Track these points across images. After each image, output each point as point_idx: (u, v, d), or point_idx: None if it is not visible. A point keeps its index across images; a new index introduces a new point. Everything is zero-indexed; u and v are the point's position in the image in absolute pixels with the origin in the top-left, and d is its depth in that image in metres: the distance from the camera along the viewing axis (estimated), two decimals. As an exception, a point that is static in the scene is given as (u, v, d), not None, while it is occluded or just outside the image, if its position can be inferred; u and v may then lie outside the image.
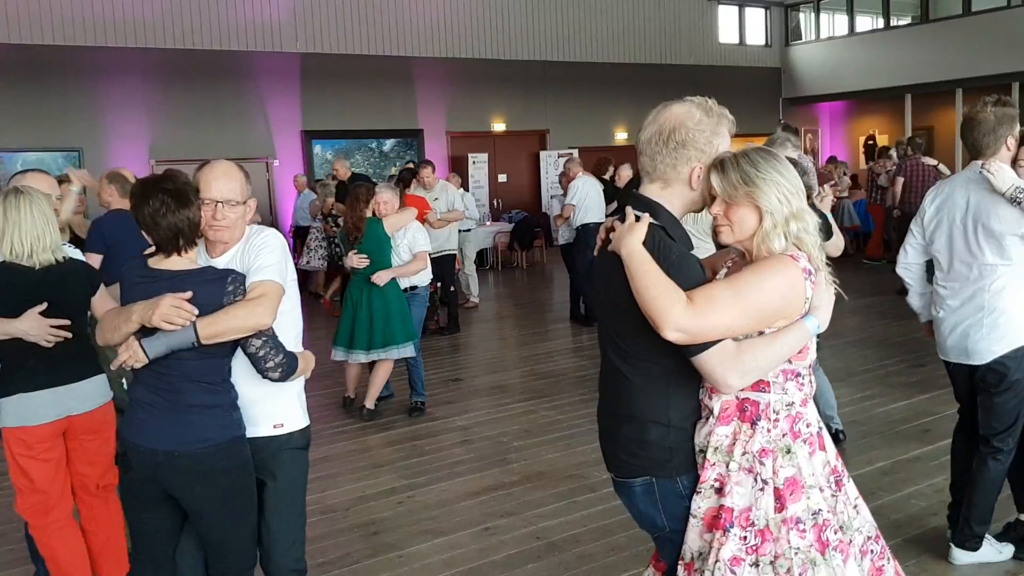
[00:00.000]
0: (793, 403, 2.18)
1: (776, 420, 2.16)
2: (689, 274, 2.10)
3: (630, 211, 2.18)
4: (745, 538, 2.14)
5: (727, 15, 18.78)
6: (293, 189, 13.48)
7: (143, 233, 2.62)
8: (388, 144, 15.76)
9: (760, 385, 2.15)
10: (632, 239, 2.09)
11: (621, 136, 18.00)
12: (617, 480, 2.30)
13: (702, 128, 2.15)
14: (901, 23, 18.51)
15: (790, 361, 2.15)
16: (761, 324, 2.10)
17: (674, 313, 2.00)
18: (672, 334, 2.02)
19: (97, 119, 13.10)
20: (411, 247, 6.29)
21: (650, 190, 2.22)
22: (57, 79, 12.68)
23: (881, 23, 18.47)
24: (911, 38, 17.53)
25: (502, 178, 16.60)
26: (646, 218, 2.13)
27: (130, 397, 2.73)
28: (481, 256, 14.08)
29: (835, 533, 2.18)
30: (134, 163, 13.10)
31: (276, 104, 14.50)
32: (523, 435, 5.72)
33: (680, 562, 2.26)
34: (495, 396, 6.74)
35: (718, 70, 18.34)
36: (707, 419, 2.20)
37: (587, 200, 9.22)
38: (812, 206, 3.05)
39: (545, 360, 7.94)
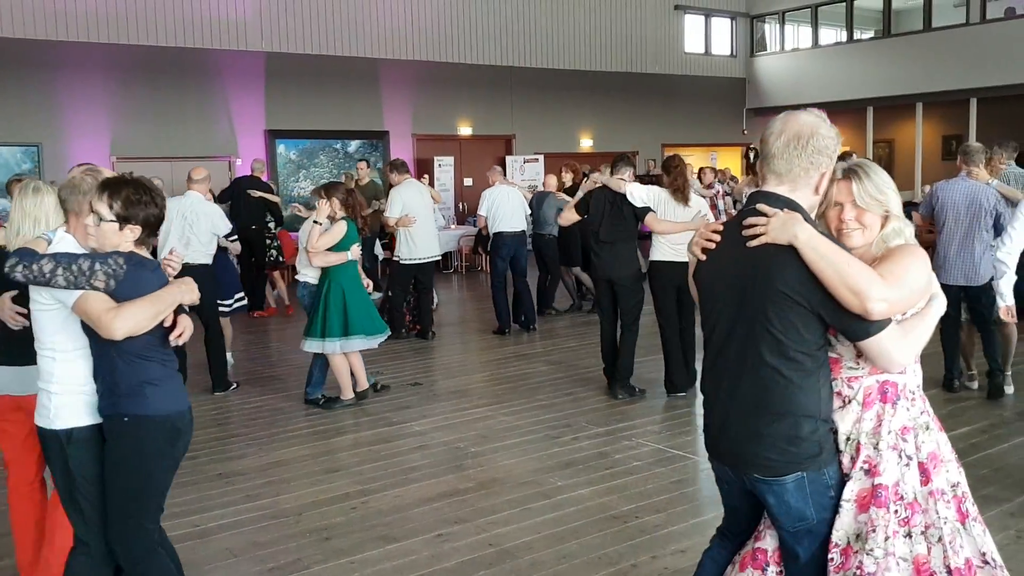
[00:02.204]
0: (920, 384, 2.42)
1: (913, 399, 2.37)
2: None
3: (768, 207, 2.30)
4: (896, 511, 2.30)
5: (693, 24, 18.96)
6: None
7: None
8: (353, 145, 15.69)
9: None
10: (804, 226, 2.21)
11: (587, 143, 18.09)
12: (763, 480, 2.33)
13: (831, 137, 2.32)
14: (864, 37, 18.81)
15: None
16: (916, 301, 2.32)
17: (877, 283, 2.16)
18: (877, 304, 2.15)
19: (57, 114, 12.90)
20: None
21: (780, 191, 2.34)
22: (15, 72, 12.47)
23: (844, 36, 18.75)
24: (873, 52, 17.83)
25: (468, 182, 16.59)
26: (796, 213, 2.26)
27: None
28: (446, 259, 14.06)
29: (972, 505, 2.41)
30: (95, 159, 12.84)
31: (240, 103, 14.37)
32: (480, 441, 5.71)
33: (834, 548, 2.34)
34: (454, 401, 6.72)
35: (683, 79, 18.52)
36: (847, 407, 2.35)
37: (497, 209, 9.29)
38: None
39: (505, 365, 7.94)
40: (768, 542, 2.51)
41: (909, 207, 10.60)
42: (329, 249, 6.35)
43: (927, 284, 2.33)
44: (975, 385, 6.67)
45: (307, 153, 15.30)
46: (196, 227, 6.93)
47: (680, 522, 4.37)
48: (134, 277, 2.86)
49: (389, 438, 5.85)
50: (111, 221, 2.89)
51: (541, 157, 16.33)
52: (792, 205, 2.30)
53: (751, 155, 17.12)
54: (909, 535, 2.29)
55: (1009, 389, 6.50)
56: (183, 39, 13.15)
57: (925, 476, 2.32)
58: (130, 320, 2.79)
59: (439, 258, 9.55)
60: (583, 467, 5.17)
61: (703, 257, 2.46)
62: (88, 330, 2.90)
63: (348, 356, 6.55)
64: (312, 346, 6.44)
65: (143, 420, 2.93)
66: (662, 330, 6.72)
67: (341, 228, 6.38)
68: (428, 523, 4.42)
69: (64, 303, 2.88)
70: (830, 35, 19.34)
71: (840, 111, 18.87)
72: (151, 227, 2.97)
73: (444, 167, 15.76)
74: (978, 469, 4.98)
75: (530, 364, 7.99)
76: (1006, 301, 5.40)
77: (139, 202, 2.92)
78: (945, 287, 6.44)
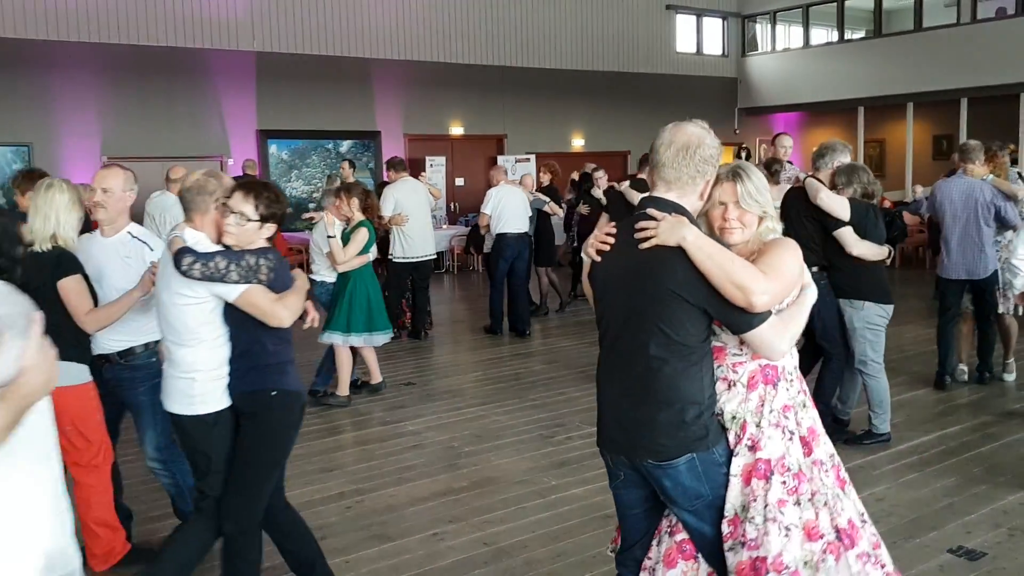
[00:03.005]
0: (796, 366, 2.64)
1: (791, 380, 2.59)
2: None
3: (657, 212, 2.45)
4: (785, 482, 2.49)
5: (685, 24, 18.99)
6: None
7: None
8: (345, 145, 15.67)
9: None
10: (691, 229, 2.39)
11: (578, 143, 18.10)
12: (657, 464, 2.48)
13: (715, 147, 2.51)
14: (855, 37, 18.87)
15: None
16: (794, 289, 2.53)
17: (758, 279, 2.34)
18: (761, 297, 2.32)
19: (47, 114, 12.84)
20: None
21: (668, 196, 2.50)
22: (6, 72, 12.41)
23: (836, 36, 18.81)
24: (864, 52, 17.88)
25: (459, 181, 16.59)
26: (680, 217, 2.43)
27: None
28: (437, 259, 14.05)
29: (846, 473, 2.66)
30: (86, 159, 12.89)
31: (231, 103, 14.33)
32: (474, 440, 5.72)
33: (724, 519, 2.52)
34: (448, 400, 6.73)
35: (675, 79, 18.54)
36: (733, 389, 2.54)
37: (503, 209, 9.13)
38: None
39: (498, 365, 7.95)
40: None
41: (900, 207, 10.71)
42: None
43: (800, 274, 2.54)
44: (964, 378, 6.75)
45: (299, 153, 15.27)
46: (166, 229, 6.90)
47: (674, 521, 4.38)
48: (281, 270, 3.19)
49: (384, 437, 5.86)
50: (254, 220, 3.16)
51: (533, 157, 16.32)
52: (679, 209, 2.47)
53: (743, 155, 17.13)
54: (798, 503, 2.49)
55: (1010, 377, 6.76)
56: (174, 39, 13.11)
57: (807, 448, 2.56)
58: (293, 308, 3.17)
59: (435, 257, 9.50)
60: (577, 466, 5.18)
61: (597, 259, 2.61)
62: (233, 318, 3.16)
63: (363, 351, 6.75)
64: (335, 339, 6.57)
65: (288, 394, 3.24)
66: None
67: (364, 235, 6.55)
68: (423, 522, 4.43)
69: (224, 297, 3.12)
70: (821, 35, 19.40)
71: (831, 111, 18.99)
72: (279, 225, 3.29)
73: (436, 167, 15.75)
74: (970, 467, 5.02)
75: (523, 364, 8.00)
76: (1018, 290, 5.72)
77: (276, 202, 3.22)
78: (947, 282, 6.72)
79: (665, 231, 2.38)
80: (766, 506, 2.47)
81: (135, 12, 12.71)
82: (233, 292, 3.09)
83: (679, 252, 2.37)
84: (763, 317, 2.38)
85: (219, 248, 3.18)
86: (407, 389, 7.09)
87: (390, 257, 8.89)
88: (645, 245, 2.41)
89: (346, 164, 11.85)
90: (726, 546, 2.52)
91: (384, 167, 10.32)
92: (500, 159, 16.19)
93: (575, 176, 12.96)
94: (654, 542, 2.70)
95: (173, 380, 3.23)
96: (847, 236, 5.14)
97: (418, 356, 8.42)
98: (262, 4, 13.74)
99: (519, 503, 4.64)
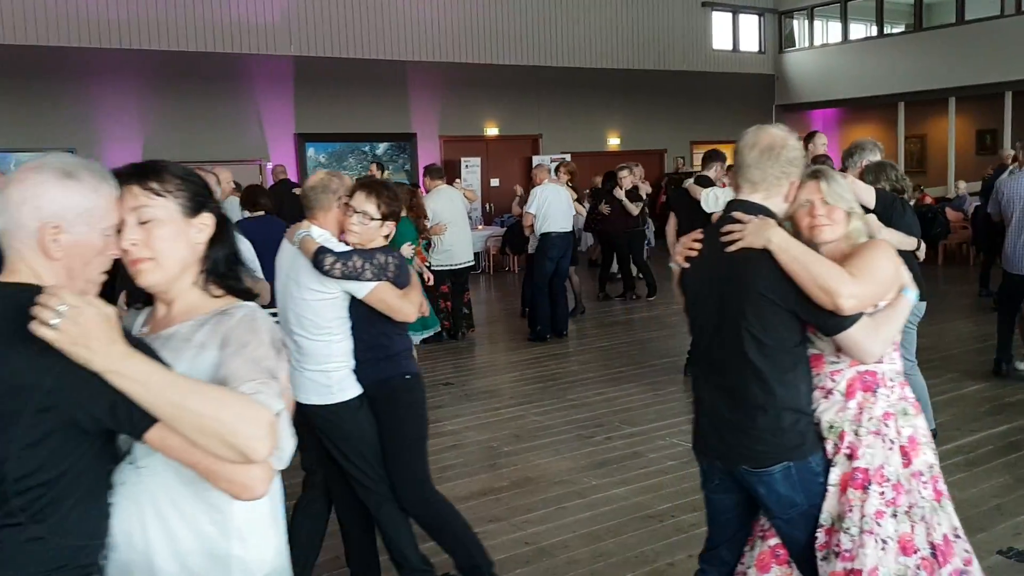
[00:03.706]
0: (899, 371, 2.57)
1: (892, 386, 2.52)
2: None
3: (743, 215, 2.46)
4: (883, 493, 2.43)
5: (721, 21, 18.86)
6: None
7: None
8: (381, 148, 15.77)
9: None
10: (777, 231, 2.38)
11: (614, 141, 18.04)
12: (751, 471, 2.47)
13: (799, 149, 2.52)
14: (895, 31, 18.60)
15: None
16: (888, 292, 2.46)
17: (845, 282, 2.29)
18: (847, 300, 2.28)
19: (90, 120, 13.08)
20: None
21: (754, 198, 2.50)
22: (51, 80, 12.66)
23: (874, 31, 18.56)
24: (904, 46, 17.62)
25: (494, 182, 16.61)
26: (766, 219, 2.42)
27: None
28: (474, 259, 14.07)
29: (944, 484, 2.57)
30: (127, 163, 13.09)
31: (269, 107, 14.49)
32: (513, 440, 5.72)
33: (820, 528, 2.49)
34: (486, 400, 6.73)
35: (711, 76, 18.42)
36: (831, 398, 2.50)
37: (548, 208, 8.97)
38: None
39: (535, 365, 7.94)
40: None
41: (943, 203, 10.53)
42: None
43: (895, 277, 2.47)
44: (1022, 366, 6.85)
45: (336, 156, 15.40)
46: None
47: (716, 521, 4.35)
48: (404, 267, 3.32)
49: (422, 438, 5.87)
50: (377, 219, 3.27)
51: (568, 157, 16.26)
52: (766, 211, 2.47)
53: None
54: (895, 515, 2.43)
55: None
56: (213, 44, 13.29)
57: (906, 459, 2.48)
58: (416, 304, 3.33)
59: (473, 263, 9.44)
60: (617, 466, 5.16)
61: (686, 265, 2.63)
62: (359, 312, 3.28)
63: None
64: None
65: (417, 377, 3.46)
66: None
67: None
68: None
69: (353, 293, 3.24)
70: (860, 30, 19.15)
71: (870, 107, 18.72)
72: (397, 223, 3.41)
73: (471, 168, 15.79)
74: (1018, 468, 4.91)
75: (560, 364, 7.98)
76: None
77: (395, 201, 3.35)
78: (1009, 276, 6.75)
79: (751, 233, 2.39)
80: (862, 517, 2.42)
81: (174, 19, 12.90)
82: (364, 289, 3.22)
83: (766, 254, 2.37)
84: (854, 319, 2.35)
85: (346, 246, 3.29)
86: (445, 389, 7.11)
87: (427, 264, 8.87)
88: (732, 248, 2.43)
89: (374, 166, 11.92)
90: (819, 555, 2.48)
91: (421, 171, 10.33)
92: (535, 159, 16.20)
93: (597, 181, 12.96)
94: (747, 547, 2.69)
95: (306, 373, 3.29)
96: (870, 222, 5.15)
97: (456, 356, 8.43)
98: (299, 8, 13.88)
99: (559, 503, 4.63)
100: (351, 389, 3.32)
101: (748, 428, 2.45)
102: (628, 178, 10.83)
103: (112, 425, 1.51)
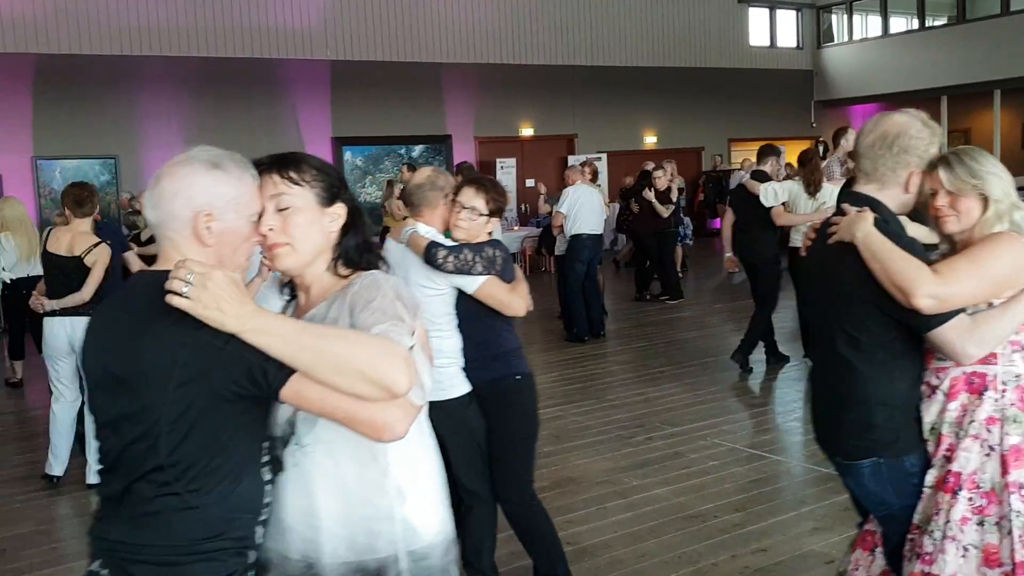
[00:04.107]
0: (1021, 375, 2.35)
1: (1004, 391, 2.33)
2: (919, 254, 2.29)
3: (848, 207, 2.40)
4: (971, 500, 2.32)
5: (758, 17, 18.67)
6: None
7: None
8: (417, 150, 15.83)
9: (988, 358, 2.32)
10: (864, 225, 2.29)
11: (650, 140, 17.94)
12: (843, 463, 2.48)
13: (922, 137, 2.37)
14: (937, 24, 18.28)
15: (1017, 333, 2.32)
16: (996, 292, 2.28)
17: (924, 280, 2.18)
18: (924, 300, 2.17)
19: (132, 127, 13.30)
20: None
21: (867, 189, 2.43)
22: (94, 88, 12.89)
23: (916, 24, 18.25)
24: (947, 39, 17.30)
25: (530, 183, 16.59)
26: (867, 211, 2.34)
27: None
28: (510, 261, 14.05)
29: None
30: (168, 170, 13.31)
31: (307, 111, 14.61)
32: (552, 440, 5.69)
33: (914, 529, 2.42)
34: (524, 401, 6.72)
35: (748, 73, 18.24)
36: (934, 397, 2.39)
37: (579, 210, 8.84)
38: None
39: (572, 365, 7.91)
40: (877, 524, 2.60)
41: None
42: None
43: (1016, 273, 2.29)
44: None
45: (372, 159, 15.49)
46: None
47: (759, 521, 4.29)
48: (510, 261, 3.36)
49: (462, 438, 5.88)
50: (484, 215, 3.31)
51: (604, 156, 16.25)
52: (872, 203, 2.37)
53: (820, 148, 16.75)
54: (981, 523, 2.31)
55: None
56: (251, 50, 13.44)
57: (1005, 467, 2.31)
58: (525, 298, 3.32)
59: None
60: (658, 467, 5.12)
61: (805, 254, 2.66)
62: (467, 309, 3.29)
63: None
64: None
65: (528, 377, 3.44)
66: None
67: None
68: (504, 521, 4.42)
69: (463, 288, 3.26)
70: (900, 23, 18.84)
71: (912, 101, 18.36)
72: (500, 218, 3.48)
73: (506, 169, 15.79)
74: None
75: (598, 365, 7.94)
76: None
77: (502, 197, 3.39)
78: None
79: (844, 227, 2.36)
80: (947, 522, 2.33)
81: (214, 25, 13.07)
82: (473, 284, 3.23)
83: (855, 249, 2.31)
84: (943, 318, 2.22)
85: (453, 242, 3.31)
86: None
87: None
88: (830, 241, 2.40)
89: (405, 168, 11.95)
90: (907, 554, 2.44)
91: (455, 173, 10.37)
92: (571, 159, 16.16)
93: (628, 180, 12.87)
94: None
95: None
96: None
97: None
98: (335, 13, 13.98)
99: (601, 503, 4.61)
100: (460, 387, 3.32)
101: (840, 420, 2.44)
102: (663, 179, 10.75)
103: (250, 389, 1.56)
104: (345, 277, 1.81)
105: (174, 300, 1.49)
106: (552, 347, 8.83)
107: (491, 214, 3.34)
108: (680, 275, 11.46)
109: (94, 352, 1.68)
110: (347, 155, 15.16)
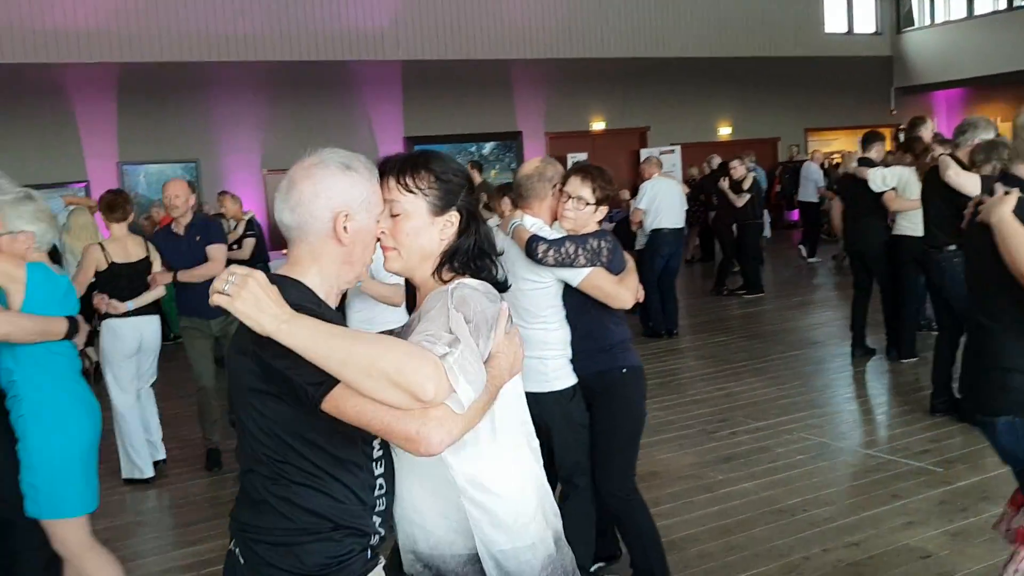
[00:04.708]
0: None
1: None
2: None
3: (999, 187, 2.63)
4: None
5: (834, 4, 18.19)
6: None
7: None
8: (487, 147, 15.89)
9: None
10: (1003, 208, 2.51)
11: (725, 131, 17.66)
12: (983, 419, 2.72)
13: None
14: (1024, 3, 17.56)
15: None
16: None
17: None
18: None
19: (212, 131, 13.64)
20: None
21: (1020, 170, 2.67)
22: (174, 94, 13.26)
23: (1003, 4, 17.55)
24: (1035, 19, 16.61)
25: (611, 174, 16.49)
26: (1015, 192, 2.53)
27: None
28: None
29: None
30: (248, 172, 13.62)
31: (379, 111, 14.78)
32: (634, 434, 5.65)
33: None
34: (604, 395, 6.68)
35: (825, 61, 17.79)
36: None
37: (659, 204, 8.67)
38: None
39: (652, 361, 7.82)
40: None
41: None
42: None
43: None
44: None
45: (444, 157, 15.59)
46: None
47: (850, 515, 4.20)
48: (618, 252, 3.31)
49: (542, 432, 5.87)
50: (592, 204, 3.26)
51: (677, 148, 16.07)
52: (1022, 185, 2.57)
53: (900, 136, 16.27)
54: None
55: None
56: (324, 53, 13.63)
57: None
58: (632, 289, 3.30)
59: None
60: (744, 461, 5.04)
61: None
62: (573, 301, 3.27)
63: None
64: None
65: (636, 370, 3.42)
66: (894, 297, 6.91)
67: None
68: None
69: (568, 280, 3.24)
70: (986, 4, 18.14)
71: (999, 85, 17.71)
72: (609, 208, 3.40)
73: (579, 164, 15.73)
74: None
75: (678, 360, 7.85)
76: None
77: (610, 185, 3.34)
78: None
79: (986, 208, 2.56)
80: None
81: (287, 30, 13.30)
82: (578, 276, 3.21)
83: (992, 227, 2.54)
84: None
85: (558, 233, 3.28)
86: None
87: None
88: (977, 220, 2.64)
89: (471, 166, 11.95)
90: None
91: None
92: (643, 152, 16.02)
93: (694, 172, 12.69)
94: None
95: (525, 360, 3.32)
96: None
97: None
98: (405, 14, 14.10)
99: (687, 496, 4.56)
100: (565, 379, 3.31)
101: (982, 382, 2.70)
102: (740, 168, 10.65)
103: (295, 400, 1.59)
104: (446, 282, 1.81)
105: (215, 299, 1.54)
106: (635, 342, 8.74)
107: (598, 203, 3.29)
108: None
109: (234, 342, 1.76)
110: (419, 154, 15.28)
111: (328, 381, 1.53)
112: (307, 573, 1.64)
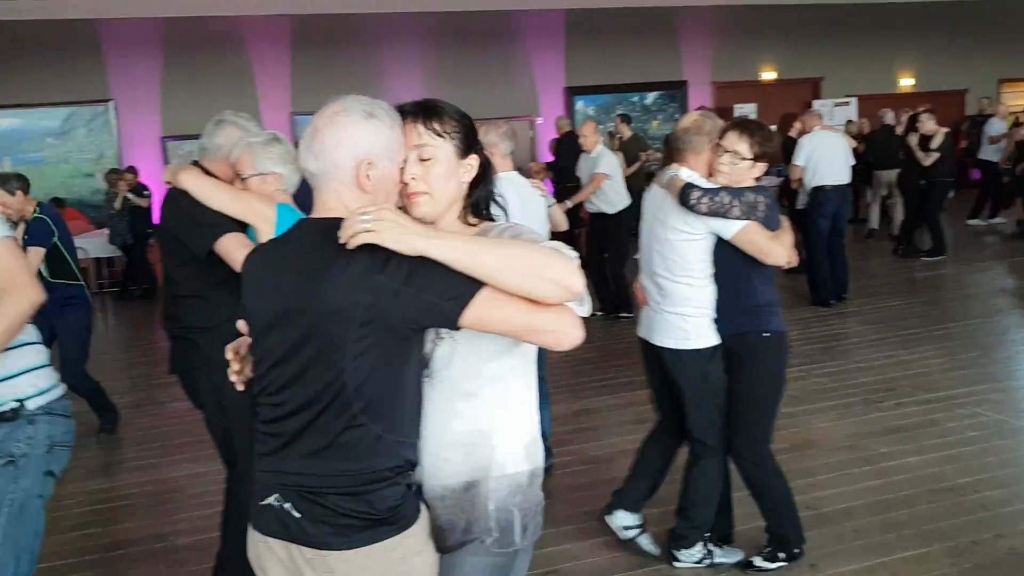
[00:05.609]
0: None
1: None
2: None
3: None
4: None
5: (1039, -62, 16.48)
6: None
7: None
8: (650, 97, 15.54)
9: None
10: None
11: (907, 82, 16.51)
12: None
13: None
14: None
15: None
16: None
17: None
18: None
19: (378, 82, 13.98)
20: None
21: None
22: (344, 46, 13.66)
23: None
24: None
25: (771, 128, 15.82)
26: None
27: None
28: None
29: None
30: (411, 123, 13.92)
31: (541, 62, 14.71)
32: (792, 401, 5.43)
33: None
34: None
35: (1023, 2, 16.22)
36: None
37: (819, 159, 8.14)
38: None
39: (815, 324, 7.51)
40: None
41: None
42: None
43: None
44: None
45: (604, 108, 15.37)
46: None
47: (1029, 501, 3.90)
48: (775, 209, 3.22)
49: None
50: (748, 159, 3.18)
51: (853, 100, 15.16)
52: None
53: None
54: None
55: None
56: (490, 2, 13.63)
57: None
58: (787, 247, 3.19)
59: None
60: (910, 434, 4.77)
61: None
62: (723, 255, 3.21)
63: None
64: None
65: (780, 336, 3.30)
66: None
67: None
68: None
69: (720, 233, 3.18)
70: None
71: None
72: (769, 164, 3.29)
73: (745, 115, 15.15)
74: None
75: (843, 324, 7.50)
76: None
77: (768, 140, 3.23)
78: None
79: None
80: None
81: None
82: (732, 228, 3.15)
83: None
84: None
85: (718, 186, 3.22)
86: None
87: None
88: None
89: (619, 119, 11.74)
90: None
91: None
92: (816, 103, 15.19)
93: (864, 124, 11.82)
94: None
95: (665, 315, 3.32)
96: None
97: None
98: (571, -39, 13.87)
99: (844, 468, 4.38)
100: (707, 338, 3.28)
101: None
102: (929, 122, 9.94)
103: (432, 323, 1.66)
104: (473, 226, 1.86)
105: (361, 237, 1.57)
106: (792, 304, 8.42)
107: (756, 159, 3.18)
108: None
109: (266, 290, 1.76)
110: (579, 105, 15.14)
111: (465, 294, 1.58)
112: (380, 519, 1.68)
